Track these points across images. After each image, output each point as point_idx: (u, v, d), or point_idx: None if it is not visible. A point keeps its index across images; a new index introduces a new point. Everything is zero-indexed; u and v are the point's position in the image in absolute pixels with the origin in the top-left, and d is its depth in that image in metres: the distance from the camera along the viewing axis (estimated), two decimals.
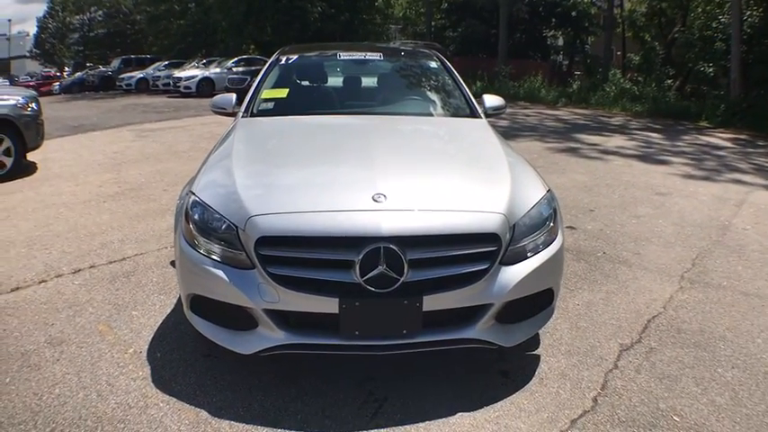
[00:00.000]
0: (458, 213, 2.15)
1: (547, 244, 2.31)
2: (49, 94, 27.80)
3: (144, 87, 21.52)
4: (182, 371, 2.36)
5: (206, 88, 17.63)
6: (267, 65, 3.70)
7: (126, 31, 41.83)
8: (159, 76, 21.31)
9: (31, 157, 6.29)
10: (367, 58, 3.79)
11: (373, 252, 1.98)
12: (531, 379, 2.35)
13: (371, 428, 2.04)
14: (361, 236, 2.00)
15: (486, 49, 23.80)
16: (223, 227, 2.14)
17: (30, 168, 6.24)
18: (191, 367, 2.38)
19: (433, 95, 3.69)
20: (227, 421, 2.06)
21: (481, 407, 2.16)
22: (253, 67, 17.93)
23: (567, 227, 4.46)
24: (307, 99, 3.50)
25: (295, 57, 3.88)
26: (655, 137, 9.95)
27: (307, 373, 2.34)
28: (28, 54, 52.29)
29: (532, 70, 18.78)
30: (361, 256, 1.97)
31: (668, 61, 19.00)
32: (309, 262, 2.04)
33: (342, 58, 3.81)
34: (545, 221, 2.33)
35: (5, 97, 6.05)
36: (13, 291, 3.04)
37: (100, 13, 45.63)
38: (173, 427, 2.02)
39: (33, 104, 6.21)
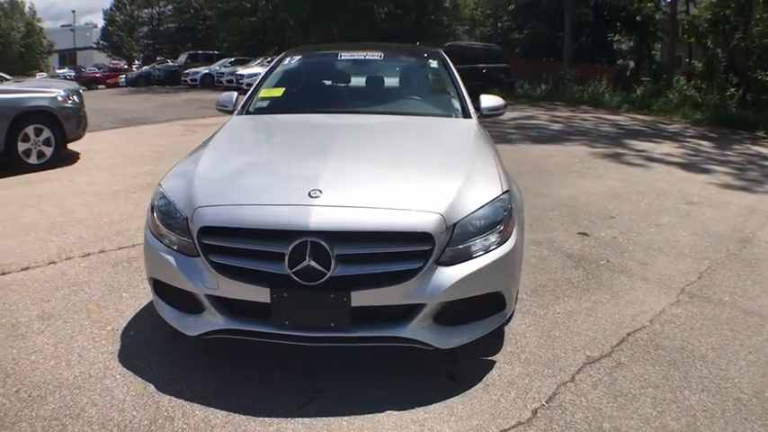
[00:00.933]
0: (390, 211, 2.12)
1: (496, 246, 2.23)
2: (116, 86, 28.71)
3: (209, 83, 21.86)
4: (147, 349, 2.50)
5: None
6: (271, 65, 3.81)
7: (197, 27, 41.74)
8: (223, 73, 21.65)
9: (75, 147, 6.69)
10: (367, 58, 3.80)
11: (301, 245, 2.02)
12: (475, 384, 2.28)
13: (295, 417, 2.07)
14: (289, 229, 2.04)
15: (551, 52, 23.14)
16: (178, 217, 2.26)
17: (72, 158, 6.66)
18: (156, 347, 2.52)
19: (426, 95, 3.66)
20: (168, 396, 2.18)
21: (413, 407, 2.13)
22: None
23: (580, 233, 4.27)
24: (300, 98, 3.56)
25: (298, 57, 3.97)
26: (705, 145, 9.32)
27: (260, 360, 2.40)
28: (94, 45, 52.89)
29: (597, 75, 18.05)
30: (290, 249, 2.02)
31: (731, 69, 17.76)
32: (245, 252, 2.11)
33: (342, 58, 3.85)
34: (496, 223, 2.26)
35: (46, 90, 6.49)
36: (22, 270, 3.32)
37: (169, 7, 45.92)
38: (119, 396, 2.17)
39: (75, 97, 6.60)
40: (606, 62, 24.17)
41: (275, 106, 3.41)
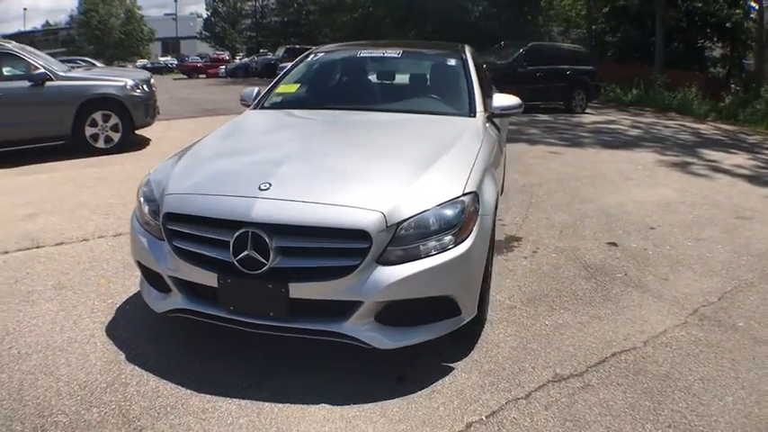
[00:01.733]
0: (331, 207, 2.10)
1: (448, 248, 2.14)
2: (216, 76, 29.81)
3: None
4: (134, 323, 2.68)
5: None
6: (294, 62, 3.89)
7: (300, 21, 41.95)
8: None
9: (147, 134, 7.10)
10: (385, 56, 3.76)
11: (244, 235, 2.07)
12: (422, 389, 2.20)
13: (234, 397, 2.13)
14: (234, 219, 2.11)
15: (644, 56, 21.69)
16: (153, 202, 2.40)
17: (141, 144, 7.09)
18: (143, 322, 2.69)
19: (436, 93, 3.56)
20: (132, 366, 2.33)
21: (348, 403, 2.10)
22: None
23: (610, 243, 3.95)
24: (312, 95, 3.61)
25: (321, 54, 4.02)
26: None
27: (228, 343, 2.47)
28: (197, 35, 53.51)
29: (688, 81, 16.66)
30: (233, 238, 2.08)
31: None
32: (199, 239, 2.21)
33: (361, 55, 3.83)
34: (450, 225, 2.17)
35: (115, 79, 6.96)
36: (56, 245, 3.67)
37: (273, 0, 46.40)
38: (92, 361, 2.36)
39: (144, 86, 7.02)
40: (697, 69, 22.32)
41: (287, 102, 3.49)
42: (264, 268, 2.06)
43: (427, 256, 2.12)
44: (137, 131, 7.22)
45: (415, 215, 2.12)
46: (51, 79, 6.46)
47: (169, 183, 2.38)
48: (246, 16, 49.31)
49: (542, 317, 2.83)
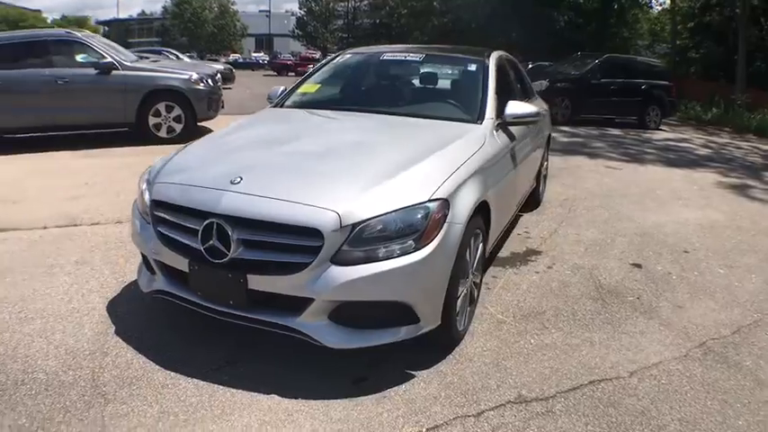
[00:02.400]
0: (289, 204, 2.11)
1: (406, 253, 2.08)
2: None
3: None
4: (134, 301, 2.82)
5: None
6: (321, 62, 3.93)
7: (391, 24, 41.45)
8: None
9: (213, 126, 7.29)
10: (406, 59, 3.69)
11: (210, 225, 2.14)
12: (374, 393, 2.15)
13: (195, 377, 2.20)
14: (202, 209, 2.19)
15: (726, 74, 20.03)
16: (147, 189, 2.52)
17: (203, 135, 7.32)
18: (141, 300, 2.79)
19: (447, 98, 3.47)
20: (117, 339, 2.46)
21: (297, 398, 2.10)
22: None
23: (634, 264, 3.68)
24: (327, 96, 3.62)
25: (348, 56, 4.04)
26: None
27: (210, 328, 2.50)
28: (290, 33, 53.11)
29: None
30: (201, 227, 2.16)
31: None
32: (177, 225, 2.30)
33: (383, 58, 3.80)
34: (411, 230, 2.11)
35: (181, 72, 7.23)
36: (92, 224, 3.94)
37: (365, 2, 46.09)
38: (85, 330, 2.52)
39: (208, 81, 7.22)
40: None
41: (304, 102, 3.53)
42: (226, 258, 2.11)
43: (383, 259, 2.07)
44: (200, 124, 7.54)
45: (372, 217, 2.08)
46: (117, 68, 6.81)
47: (160, 172, 2.51)
48: (339, 16, 49.18)
49: (530, 335, 2.67)
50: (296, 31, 51.32)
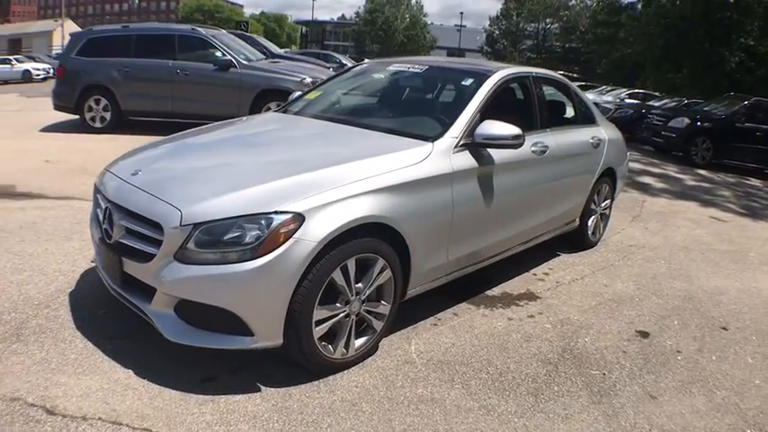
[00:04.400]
0: (152, 198, 2.18)
1: (239, 261, 1.98)
2: None
3: None
4: None
5: None
6: (340, 71, 3.85)
7: (581, 49, 39.90)
8: None
9: None
10: (409, 70, 3.40)
11: (106, 209, 2.33)
12: (207, 394, 2.07)
13: (91, 341, 2.36)
14: (104, 195, 2.38)
15: None
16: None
17: None
18: None
19: (429, 112, 3.14)
20: (66, 299, 2.70)
21: (145, 378, 2.14)
22: (641, 102, 15.82)
23: (641, 331, 2.98)
24: (319, 104, 3.47)
25: (364, 65, 3.89)
26: None
27: None
28: (478, 49, 51.78)
29: None
30: (102, 209, 2.36)
31: None
32: (97, 207, 2.49)
33: (386, 69, 3.57)
34: (247, 238, 1.99)
35: (295, 74, 7.31)
36: None
37: (556, 25, 44.42)
38: (51, 287, 2.82)
39: None
40: None
41: (301, 107, 3.45)
42: (112, 240, 2.26)
43: (217, 263, 1.99)
44: None
45: (214, 220, 2.01)
46: (235, 67, 7.21)
47: (115, 161, 2.70)
48: (528, 37, 47.76)
49: (422, 384, 2.27)
50: (485, 47, 50.25)
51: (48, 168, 5.35)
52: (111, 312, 2.58)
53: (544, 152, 3.31)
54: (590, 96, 18.12)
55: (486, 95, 2.97)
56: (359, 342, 2.38)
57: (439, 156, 2.59)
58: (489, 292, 3.29)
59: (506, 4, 48.15)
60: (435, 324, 2.83)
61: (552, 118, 3.63)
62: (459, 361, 2.49)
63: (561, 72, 28.08)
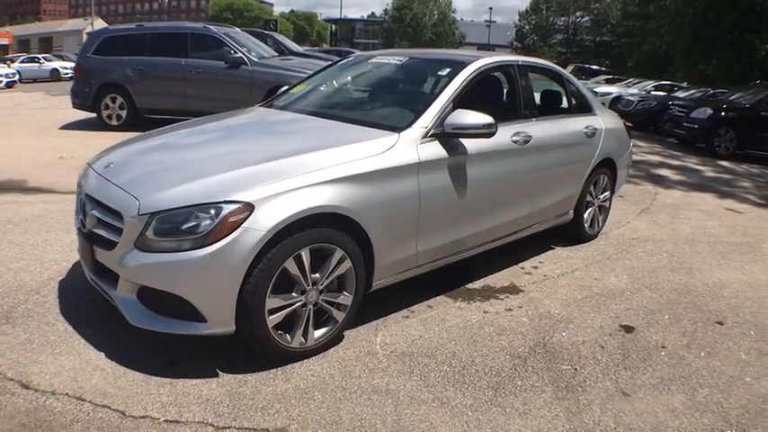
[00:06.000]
0: (117, 189, 2.20)
1: (191, 250, 1.97)
2: None
3: None
4: None
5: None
6: (328, 64, 3.78)
7: (612, 43, 38.29)
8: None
9: None
10: (389, 62, 3.29)
11: (82, 200, 2.39)
12: (166, 377, 2.10)
13: (70, 325, 2.43)
14: (81, 186, 2.44)
15: None
16: None
17: None
18: None
19: (403, 102, 3.02)
20: (56, 286, 2.77)
21: (114, 360, 2.18)
22: (667, 94, 14.86)
23: (626, 326, 2.80)
24: (301, 97, 3.37)
25: (350, 58, 3.79)
26: None
27: None
28: (507, 44, 50.16)
29: None
30: (80, 200, 2.41)
31: None
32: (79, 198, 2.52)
33: (368, 61, 3.45)
34: (198, 227, 1.98)
35: (304, 71, 6.85)
36: None
37: (586, 19, 42.54)
38: (45, 274, 2.89)
39: None
40: None
41: (283, 101, 3.37)
42: (86, 229, 2.29)
43: (171, 251, 2.00)
44: None
45: (169, 209, 2.01)
46: (246, 64, 7.16)
47: (96, 156, 2.69)
48: (558, 31, 45.94)
49: (380, 375, 2.18)
50: (515, 43, 48.69)
51: (61, 164, 5.48)
52: (94, 299, 2.56)
53: (527, 142, 3.14)
54: (614, 89, 17.74)
55: (460, 85, 2.83)
56: (319, 332, 2.31)
57: (405, 146, 2.48)
58: (470, 285, 3.15)
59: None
60: (407, 316, 2.72)
61: (540, 107, 3.45)
62: (423, 353, 2.38)
63: (578, 64, 27.07)
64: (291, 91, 3.55)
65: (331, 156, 2.30)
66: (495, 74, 3.36)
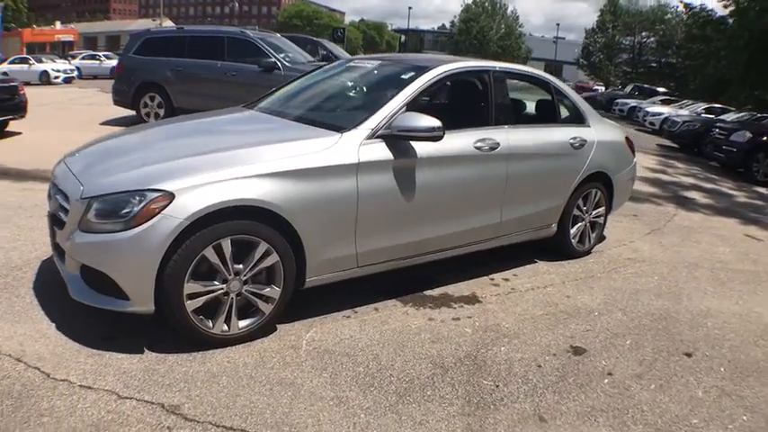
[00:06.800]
0: (71, 176, 2.37)
1: (117, 231, 2.10)
2: None
3: (629, 115, 20.18)
4: None
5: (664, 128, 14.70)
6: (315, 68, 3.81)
7: (676, 64, 36.79)
8: (641, 108, 19.30)
9: None
10: (365, 65, 3.28)
11: (50, 186, 2.60)
12: (98, 349, 2.19)
13: (37, 299, 2.58)
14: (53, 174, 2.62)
15: None
16: None
17: None
18: None
19: (361, 104, 2.98)
20: (39, 265, 2.92)
21: (60, 331, 2.30)
22: (715, 117, 14.10)
23: (577, 347, 2.61)
24: (277, 98, 3.37)
25: (336, 63, 3.78)
26: None
27: None
28: (574, 61, 49.65)
29: None
30: (49, 186, 2.61)
31: None
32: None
33: (345, 65, 3.44)
34: (124, 212, 2.11)
35: None
36: None
37: (652, 39, 41.53)
38: (32, 254, 3.05)
39: None
40: None
41: (262, 102, 3.39)
42: (50, 213, 2.47)
43: (102, 232, 2.13)
44: None
45: (103, 194, 2.16)
46: (279, 69, 7.29)
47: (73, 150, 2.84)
48: (624, 50, 44.70)
49: (291, 369, 2.16)
50: (581, 60, 47.79)
51: None
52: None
53: (494, 149, 3.02)
54: (666, 110, 16.84)
55: (417, 89, 2.78)
56: (244, 322, 2.32)
57: (345, 146, 2.46)
58: (429, 292, 3.05)
59: (602, 16, 45.45)
60: (349, 316, 2.67)
61: (515, 115, 3.31)
62: (345, 352, 2.31)
63: (637, 83, 26.35)
64: (276, 92, 3.59)
65: (265, 152, 2.34)
66: (467, 79, 3.26)
